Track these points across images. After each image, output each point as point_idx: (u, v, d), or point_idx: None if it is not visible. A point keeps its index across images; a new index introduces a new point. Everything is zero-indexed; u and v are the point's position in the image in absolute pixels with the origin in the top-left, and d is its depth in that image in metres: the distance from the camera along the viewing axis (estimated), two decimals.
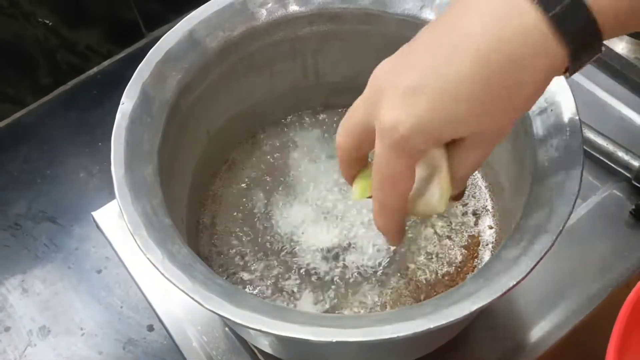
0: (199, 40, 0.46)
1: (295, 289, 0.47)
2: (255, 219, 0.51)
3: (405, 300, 0.46)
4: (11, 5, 0.62)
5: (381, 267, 0.47)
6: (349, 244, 0.48)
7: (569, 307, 0.50)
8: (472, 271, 0.47)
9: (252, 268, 0.48)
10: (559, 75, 0.31)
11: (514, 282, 0.34)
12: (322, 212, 0.50)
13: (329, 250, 0.48)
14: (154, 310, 0.52)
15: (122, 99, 0.42)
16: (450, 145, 0.33)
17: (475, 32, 0.30)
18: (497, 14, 0.29)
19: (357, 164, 0.37)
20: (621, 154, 0.55)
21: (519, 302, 0.51)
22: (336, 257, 0.48)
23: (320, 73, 0.53)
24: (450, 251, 0.48)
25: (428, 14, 0.46)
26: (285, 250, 0.49)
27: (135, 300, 0.55)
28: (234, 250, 0.49)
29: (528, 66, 0.30)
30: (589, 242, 0.53)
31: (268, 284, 0.47)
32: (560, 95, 0.41)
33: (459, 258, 0.48)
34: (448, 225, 0.49)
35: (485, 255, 0.48)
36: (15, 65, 0.66)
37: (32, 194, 0.62)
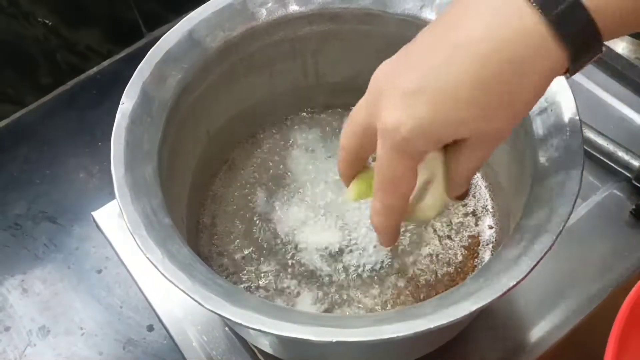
0: (198, 40, 0.46)
1: (295, 289, 0.47)
2: (255, 219, 0.50)
3: (405, 300, 0.46)
4: (11, 5, 0.62)
5: (381, 267, 0.47)
6: (349, 244, 0.48)
7: (569, 307, 0.50)
8: (472, 271, 0.47)
9: (252, 268, 0.48)
10: (559, 75, 0.31)
11: (514, 282, 0.34)
12: (322, 211, 0.50)
13: (328, 250, 0.48)
14: (154, 310, 0.52)
15: (122, 99, 0.42)
16: (451, 146, 0.33)
17: (475, 34, 0.30)
18: (497, 16, 0.29)
19: (357, 164, 0.37)
20: (621, 153, 0.55)
21: (519, 302, 0.51)
22: (336, 257, 0.48)
23: (320, 73, 0.53)
24: (450, 251, 0.48)
25: (428, 14, 0.46)
26: (285, 250, 0.49)
27: (135, 300, 0.55)
28: (234, 250, 0.49)
29: (528, 67, 0.30)
30: (589, 242, 0.53)
31: (268, 283, 0.47)
32: (561, 95, 0.41)
33: (459, 258, 0.48)
34: (448, 225, 0.49)
35: (485, 255, 0.48)
36: (15, 65, 0.66)
37: (32, 194, 0.62)
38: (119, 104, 0.42)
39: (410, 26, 0.46)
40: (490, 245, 0.49)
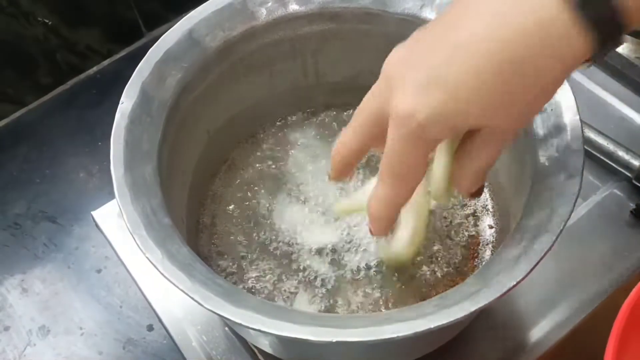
0: (198, 40, 0.46)
1: (294, 289, 0.47)
2: (255, 219, 0.50)
3: (405, 300, 0.46)
4: (11, 5, 0.62)
5: (381, 267, 0.47)
6: (349, 244, 0.48)
7: (569, 307, 0.50)
8: (472, 271, 0.47)
9: (252, 267, 0.48)
10: (577, 67, 0.30)
11: (514, 282, 0.34)
12: (322, 211, 0.50)
13: (328, 250, 0.48)
14: (153, 310, 0.52)
15: (122, 99, 0.42)
16: (464, 141, 0.33)
17: (496, 19, 0.29)
18: (519, 2, 0.29)
19: (358, 158, 0.36)
20: (621, 153, 0.55)
21: (519, 302, 0.51)
22: (335, 257, 0.48)
23: (320, 73, 0.53)
24: (450, 251, 0.48)
25: (428, 13, 0.46)
26: (285, 250, 0.49)
27: (135, 300, 0.55)
28: (234, 250, 0.49)
29: (548, 56, 0.29)
30: (589, 242, 0.53)
31: (267, 283, 0.47)
32: (561, 95, 0.41)
33: (459, 258, 0.48)
34: (448, 226, 0.49)
35: (485, 255, 0.48)
36: (15, 65, 0.66)
37: (32, 194, 0.62)
38: (118, 103, 0.42)
39: (410, 26, 0.46)
40: (490, 245, 0.49)
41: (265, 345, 0.46)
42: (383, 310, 0.46)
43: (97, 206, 0.57)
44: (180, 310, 0.51)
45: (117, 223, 0.56)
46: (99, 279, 0.57)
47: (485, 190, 0.51)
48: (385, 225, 0.36)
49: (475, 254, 0.48)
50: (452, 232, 0.49)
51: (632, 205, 0.54)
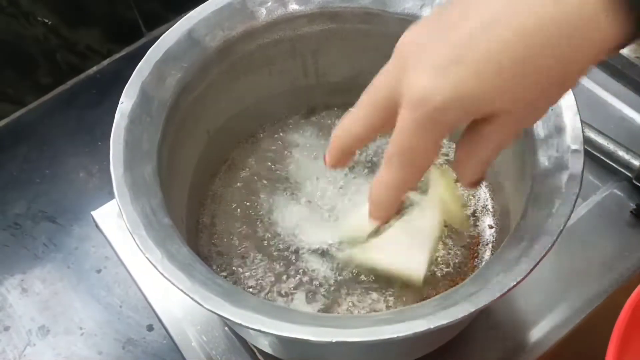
0: (198, 40, 0.46)
1: (294, 289, 0.47)
2: (255, 219, 0.50)
3: (405, 300, 0.46)
4: (11, 5, 0.62)
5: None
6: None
7: (570, 307, 0.50)
8: (472, 271, 0.47)
9: (252, 268, 0.48)
10: (609, 53, 0.29)
11: (514, 282, 0.34)
12: (322, 211, 0.50)
13: (328, 250, 0.48)
14: (153, 310, 0.52)
15: (121, 99, 0.42)
16: (470, 129, 0.31)
17: (521, 3, 0.27)
18: None
19: (355, 148, 0.34)
20: (622, 153, 0.55)
21: (519, 302, 0.51)
22: (336, 257, 0.48)
23: (320, 73, 0.53)
24: (450, 251, 0.48)
25: (429, 13, 0.46)
26: (285, 250, 0.49)
27: (135, 300, 0.55)
28: (234, 250, 0.49)
29: (578, 39, 0.27)
30: (590, 242, 0.53)
31: (267, 283, 0.47)
32: None
33: (459, 258, 0.48)
34: (448, 226, 0.49)
35: (485, 255, 0.48)
36: (15, 65, 0.66)
37: (32, 194, 0.62)
38: (118, 103, 0.42)
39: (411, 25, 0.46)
40: (490, 245, 0.49)
41: (265, 345, 0.46)
42: (383, 310, 0.46)
43: (97, 206, 0.57)
44: (180, 310, 0.51)
45: (117, 223, 0.56)
46: (99, 279, 0.57)
47: (485, 190, 0.51)
48: (386, 211, 0.34)
49: (475, 254, 0.48)
50: (452, 232, 0.49)
51: (632, 205, 0.54)
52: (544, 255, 0.35)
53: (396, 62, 0.31)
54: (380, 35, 0.48)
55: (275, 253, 0.49)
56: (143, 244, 0.36)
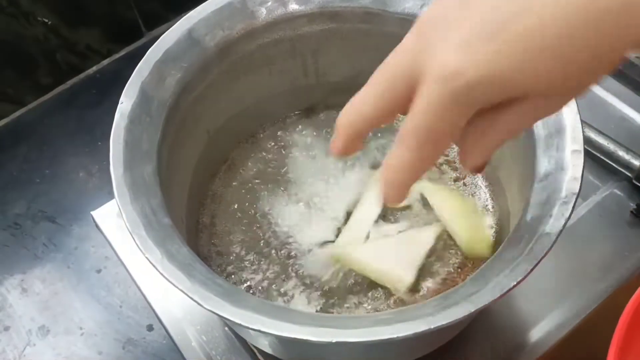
0: (198, 40, 0.46)
1: (294, 289, 0.47)
2: (255, 219, 0.50)
3: (405, 300, 0.46)
4: (11, 5, 0.62)
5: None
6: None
7: (570, 307, 0.50)
8: (472, 271, 0.47)
9: (252, 268, 0.48)
10: None
11: (514, 283, 0.34)
12: (322, 211, 0.50)
13: (328, 250, 0.48)
14: (153, 310, 0.52)
15: (121, 99, 0.42)
16: (489, 110, 0.29)
17: None
18: None
19: (366, 132, 0.32)
20: (622, 153, 0.55)
21: (519, 302, 0.51)
22: (333, 256, 0.48)
23: (320, 72, 0.53)
24: (450, 251, 0.48)
25: None
26: (285, 250, 0.49)
27: (135, 300, 0.55)
28: (234, 250, 0.49)
29: (625, 22, 0.25)
30: (590, 242, 0.53)
31: (267, 283, 0.47)
32: None
33: (459, 258, 0.48)
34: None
35: None
36: (15, 65, 0.66)
37: (32, 194, 0.62)
38: (118, 103, 0.42)
39: (411, 25, 0.46)
40: None
41: (265, 345, 0.46)
42: (383, 310, 0.46)
43: (96, 206, 0.57)
44: (179, 310, 0.51)
45: (117, 223, 0.56)
46: (99, 279, 0.57)
47: (486, 190, 0.51)
48: (401, 193, 0.32)
49: None
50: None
51: (632, 205, 0.54)
52: (544, 256, 0.35)
53: (416, 39, 0.29)
54: (380, 35, 0.48)
55: (275, 253, 0.49)
56: (143, 244, 0.36)
